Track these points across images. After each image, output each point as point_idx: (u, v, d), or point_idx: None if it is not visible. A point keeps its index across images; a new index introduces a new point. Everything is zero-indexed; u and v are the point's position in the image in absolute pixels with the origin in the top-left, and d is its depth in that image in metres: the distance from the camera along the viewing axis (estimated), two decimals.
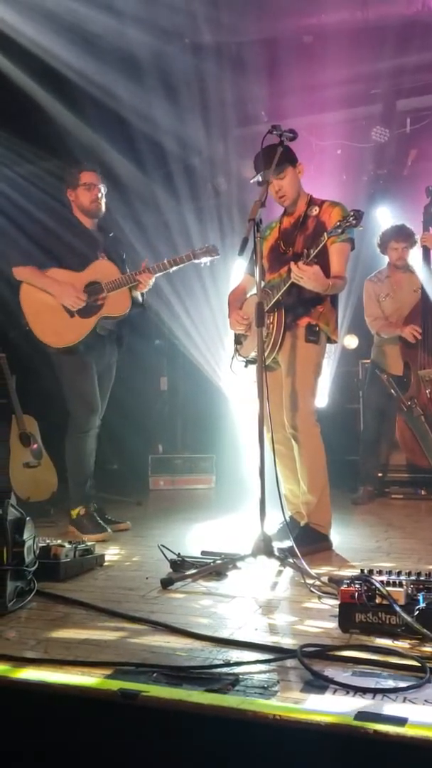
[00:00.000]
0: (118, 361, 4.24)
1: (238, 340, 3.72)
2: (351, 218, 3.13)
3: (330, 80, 5.88)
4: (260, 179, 3.45)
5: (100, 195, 4.02)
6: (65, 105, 5.55)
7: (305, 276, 3.21)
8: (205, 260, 3.92)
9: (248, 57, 5.96)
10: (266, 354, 3.41)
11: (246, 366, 3.66)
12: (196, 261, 3.92)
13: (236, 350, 3.72)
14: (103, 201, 4.05)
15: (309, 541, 3.30)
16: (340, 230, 3.17)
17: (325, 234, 3.22)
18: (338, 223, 3.17)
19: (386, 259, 5.28)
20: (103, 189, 4.04)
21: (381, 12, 5.60)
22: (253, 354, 3.55)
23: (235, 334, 3.74)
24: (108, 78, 5.52)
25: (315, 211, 3.53)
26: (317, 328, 3.47)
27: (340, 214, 3.40)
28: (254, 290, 3.75)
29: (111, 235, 4.22)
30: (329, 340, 3.59)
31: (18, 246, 3.99)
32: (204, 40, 5.88)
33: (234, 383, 3.82)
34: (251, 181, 3.61)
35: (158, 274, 3.95)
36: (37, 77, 5.32)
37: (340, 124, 6.48)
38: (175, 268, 3.93)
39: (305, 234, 3.50)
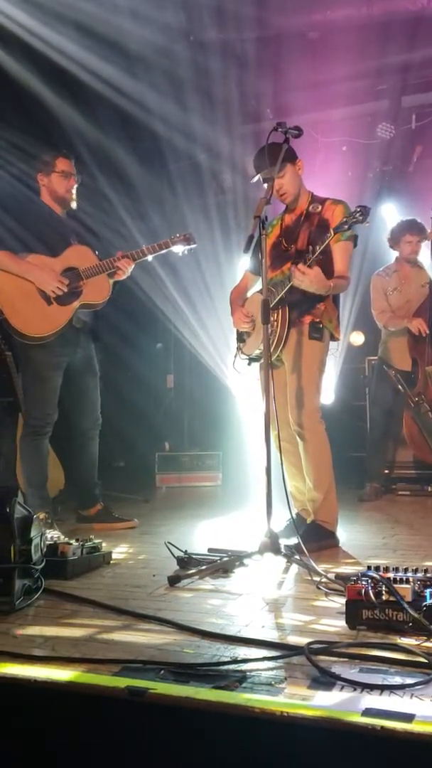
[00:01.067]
0: (106, 358, 4.15)
1: (241, 338, 3.71)
2: (358, 214, 3.12)
3: (335, 77, 5.87)
4: (261, 179, 3.46)
5: (75, 186, 3.94)
6: (69, 100, 5.53)
7: (307, 279, 3.21)
8: (182, 248, 3.85)
9: (253, 54, 5.95)
10: (271, 351, 3.41)
11: (249, 364, 3.66)
12: (174, 249, 3.84)
13: (239, 348, 3.71)
14: (75, 192, 3.96)
15: (316, 537, 3.30)
16: (346, 226, 3.16)
17: (332, 230, 3.21)
18: (345, 219, 3.16)
19: (392, 255, 5.28)
20: (78, 179, 3.96)
21: (386, 8, 5.58)
22: (256, 352, 3.55)
23: (238, 332, 3.73)
24: (111, 74, 5.51)
25: (317, 208, 3.52)
26: (321, 326, 3.47)
27: (343, 212, 3.40)
28: (255, 288, 3.76)
29: (80, 225, 4.11)
30: (332, 338, 3.58)
31: None
32: (209, 37, 5.87)
33: (240, 381, 3.81)
34: (251, 182, 3.61)
35: (137, 261, 3.85)
36: (35, 67, 5.29)
37: (346, 121, 6.47)
38: (152, 255, 3.84)
39: (308, 231, 3.49)
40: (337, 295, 3.56)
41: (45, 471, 3.91)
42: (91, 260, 3.84)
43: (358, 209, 3.13)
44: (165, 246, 3.84)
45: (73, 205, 4.00)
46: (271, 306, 3.31)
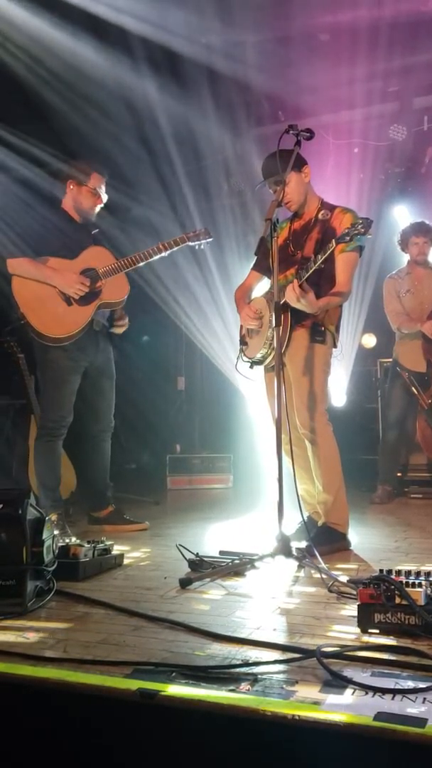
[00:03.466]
0: (118, 360, 4.19)
1: (243, 341, 3.71)
2: (360, 226, 3.09)
3: (346, 78, 5.87)
4: (267, 186, 3.47)
5: (100, 206, 4.02)
6: (77, 103, 5.56)
7: (294, 297, 3.20)
8: (198, 243, 3.90)
9: (264, 56, 5.95)
10: (272, 355, 3.42)
11: (251, 367, 3.65)
12: (191, 243, 3.90)
13: (241, 351, 3.71)
14: (96, 211, 4.03)
15: (327, 540, 3.30)
16: (348, 238, 3.14)
17: (334, 241, 3.20)
18: (347, 230, 3.13)
19: (402, 258, 5.27)
20: (104, 200, 4.03)
21: (397, 9, 5.57)
22: (258, 355, 3.54)
23: (240, 335, 3.73)
24: (121, 75, 5.53)
25: (326, 215, 3.51)
26: (323, 328, 3.46)
27: (351, 221, 3.39)
28: (259, 287, 3.77)
29: (95, 231, 4.13)
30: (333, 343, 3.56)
31: (9, 237, 3.86)
32: (219, 40, 5.88)
33: (250, 383, 3.81)
34: (256, 188, 3.62)
35: (154, 258, 3.88)
36: (43, 68, 5.33)
37: (357, 123, 6.46)
38: (168, 251, 3.88)
39: (315, 238, 3.48)
40: None
41: (58, 473, 3.93)
42: (108, 260, 3.90)
43: (361, 221, 3.11)
44: (181, 241, 3.87)
45: (92, 219, 4.06)
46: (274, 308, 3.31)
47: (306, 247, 3.49)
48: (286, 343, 3.42)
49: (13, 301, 3.83)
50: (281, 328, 3.33)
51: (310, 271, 3.26)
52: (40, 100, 5.43)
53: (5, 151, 5.56)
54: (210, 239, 3.93)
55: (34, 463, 3.97)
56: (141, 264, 3.89)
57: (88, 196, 3.95)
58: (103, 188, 4.00)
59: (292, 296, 3.20)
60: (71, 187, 3.96)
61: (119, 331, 4.11)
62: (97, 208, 4.02)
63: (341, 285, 3.41)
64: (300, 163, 3.45)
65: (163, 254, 3.88)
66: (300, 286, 3.19)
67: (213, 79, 6.01)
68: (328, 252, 3.22)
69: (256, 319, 3.57)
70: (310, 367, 3.43)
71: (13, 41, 5.06)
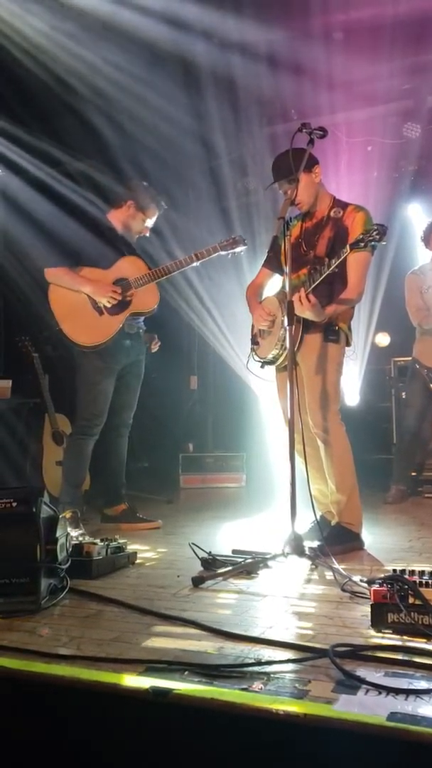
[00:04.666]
0: (147, 361, 4.25)
1: (255, 341, 3.70)
2: (374, 233, 3.08)
3: (360, 77, 5.85)
4: (278, 186, 3.46)
5: (145, 235, 4.16)
6: (88, 100, 5.59)
7: (300, 309, 3.20)
8: (231, 252, 3.93)
9: (277, 55, 5.94)
10: (284, 355, 3.42)
11: (262, 367, 3.64)
12: (223, 252, 3.93)
13: (253, 350, 3.70)
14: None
15: (340, 540, 3.29)
16: (362, 244, 3.13)
17: (348, 246, 3.18)
18: (361, 236, 3.12)
19: (416, 255, 5.24)
20: (149, 232, 4.16)
21: (412, 6, 5.54)
22: (270, 356, 3.54)
23: (252, 335, 3.72)
24: (138, 77, 5.55)
25: (339, 213, 3.49)
26: (337, 328, 3.45)
27: (364, 220, 3.37)
28: (271, 285, 3.76)
29: (132, 242, 4.23)
30: (346, 342, 3.55)
31: (48, 247, 4.02)
32: (233, 39, 5.87)
33: (263, 382, 3.81)
34: (266, 188, 3.62)
35: (185, 268, 3.96)
36: (73, 79, 5.37)
37: (371, 121, 6.44)
38: (200, 261, 3.93)
39: (327, 237, 3.47)
40: None
41: (84, 472, 4.04)
42: (141, 270, 3.99)
43: (376, 228, 3.10)
44: (214, 251, 3.92)
45: (133, 240, 4.18)
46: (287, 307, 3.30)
47: (318, 246, 3.48)
48: (297, 342, 3.40)
49: (49, 308, 3.95)
50: (293, 327, 3.34)
51: (318, 281, 3.26)
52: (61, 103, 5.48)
53: (46, 160, 5.65)
54: (245, 247, 3.95)
55: (64, 458, 4.11)
56: (173, 273, 3.97)
57: (140, 223, 4.10)
58: (153, 222, 4.14)
59: (298, 308, 3.20)
60: (129, 206, 4.07)
61: (154, 349, 4.23)
62: (141, 235, 4.17)
63: (352, 287, 3.39)
64: (311, 163, 3.42)
65: (195, 264, 3.95)
66: (306, 296, 3.19)
67: (226, 78, 6.00)
68: (342, 257, 3.21)
69: (269, 319, 3.57)
70: (323, 367, 3.41)
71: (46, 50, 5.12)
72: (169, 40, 5.40)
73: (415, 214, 6.19)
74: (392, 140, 6.41)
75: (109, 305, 3.89)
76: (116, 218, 4.10)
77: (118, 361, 4.00)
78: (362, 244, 3.12)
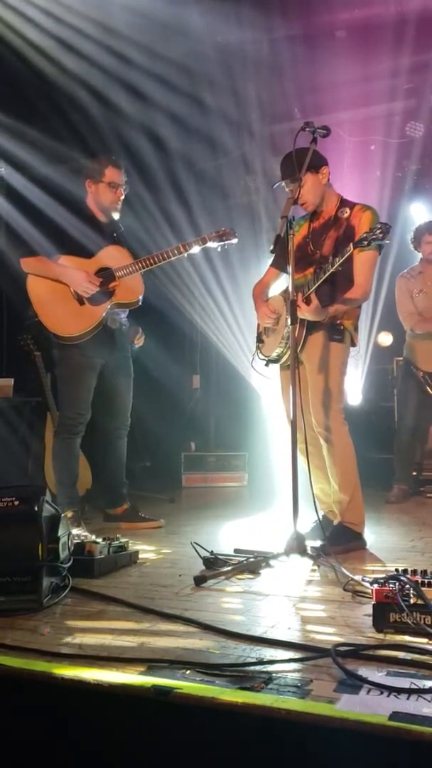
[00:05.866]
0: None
1: (260, 339, 3.70)
2: (378, 231, 3.07)
3: (363, 76, 5.84)
4: (284, 185, 3.45)
5: (122, 197, 3.97)
6: (93, 97, 5.58)
7: (301, 313, 3.21)
8: (218, 244, 3.79)
9: (280, 53, 5.93)
10: (288, 354, 3.41)
11: (267, 365, 3.64)
12: (212, 244, 3.78)
13: (258, 348, 3.70)
14: (121, 202, 3.99)
15: (343, 539, 3.29)
16: (366, 243, 3.12)
17: (351, 245, 3.18)
18: (365, 235, 3.11)
19: (418, 255, 5.23)
20: (125, 189, 3.98)
21: (414, 5, 5.53)
22: (274, 354, 3.54)
23: (257, 333, 3.72)
24: (138, 74, 5.54)
25: (345, 212, 3.49)
26: (341, 327, 3.44)
27: (370, 220, 3.36)
28: (278, 285, 3.75)
29: (121, 230, 4.12)
30: (352, 342, 3.54)
31: (24, 237, 3.89)
32: (235, 38, 5.87)
33: (265, 381, 3.80)
34: (273, 187, 3.60)
35: (172, 259, 3.82)
36: (65, 69, 5.35)
37: (374, 120, 6.43)
38: (188, 252, 3.81)
39: (334, 236, 3.46)
40: None
41: (76, 470, 3.95)
42: (125, 260, 3.87)
43: (380, 226, 3.09)
44: (203, 242, 3.79)
45: (116, 215, 4.04)
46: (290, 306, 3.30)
47: (325, 246, 3.48)
48: (302, 341, 3.40)
49: (27, 298, 3.85)
50: (297, 326, 3.34)
51: (321, 279, 3.26)
52: (59, 96, 5.47)
53: (24, 149, 5.60)
54: (235, 240, 3.81)
55: (52, 459, 4.00)
56: (158, 264, 3.85)
57: (106, 191, 3.92)
58: (122, 178, 3.96)
59: (298, 310, 3.20)
60: (90, 187, 3.95)
61: (138, 344, 4.13)
62: (120, 201, 3.99)
63: (357, 287, 3.39)
64: (318, 164, 3.41)
65: (182, 255, 3.83)
66: (306, 299, 3.19)
67: (228, 77, 6.00)
68: (346, 255, 3.20)
69: (273, 317, 3.57)
70: (326, 366, 3.41)
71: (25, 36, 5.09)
72: (170, 39, 5.41)
73: (417, 214, 6.17)
74: (395, 139, 6.40)
75: (86, 295, 3.76)
76: (91, 205, 3.97)
77: (100, 355, 3.88)
78: (365, 243, 3.12)
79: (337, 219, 3.49)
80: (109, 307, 3.83)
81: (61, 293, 3.79)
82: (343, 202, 3.54)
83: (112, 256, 3.89)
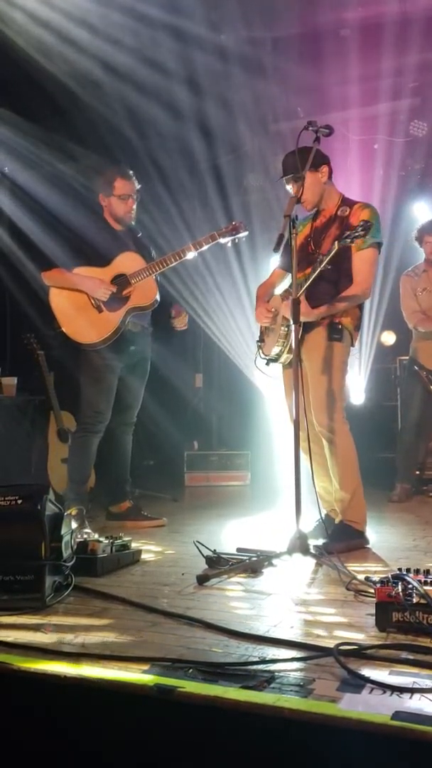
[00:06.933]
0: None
1: (261, 338, 3.71)
2: (360, 228, 3.12)
3: (367, 74, 5.83)
4: (285, 183, 3.46)
5: (134, 207, 4.05)
6: (96, 99, 5.59)
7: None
8: (230, 239, 3.88)
9: (284, 52, 5.93)
10: (287, 352, 3.45)
11: (267, 364, 3.65)
12: (222, 240, 3.88)
13: (259, 347, 3.70)
14: (135, 210, 4.08)
15: (344, 537, 3.29)
16: (349, 240, 3.15)
17: (336, 243, 3.18)
18: (348, 233, 3.15)
19: (422, 254, 5.22)
20: (136, 197, 4.05)
21: (418, 4, 5.52)
22: (273, 353, 3.54)
23: (260, 332, 3.73)
24: (143, 75, 5.55)
25: (345, 211, 3.49)
26: (340, 326, 3.43)
27: (368, 218, 3.37)
28: (283, 285, 3.75)
29: (139, 235, 4.21)
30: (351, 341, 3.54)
31: (44, 250, 4.05)
32: (239, 36, 5.86)
33: (268, 380, 3.81)
34: (275, 181, 3.61)
35: (185, 258, 3.89)
36: (73, 74, 5.37)
37: (377, 119, 6.43)
38: (199, 251, 3.89)
39: (333, 235, 3.46)
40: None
41: (88, 469, 4.05)
42: (139, 265, 3.95)
43: (362, 224, 3.14)
44: (212, 239, 3.87)
45: (132, 222, 4.12)
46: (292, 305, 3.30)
47: (324, 244, 3.47)
48: (300, 340, 3.40)
49: (50, 311, 3.96)
50: (298, 326, 3.34)
51: (310, 279, 3.27)
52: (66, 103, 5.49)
53: (42, 162, 5.64)
54: (245, 233, 3.89)
55: (68, 455, 4.12)
56: (172, 265, 3.93)
57: (118, 203, 4.01)
58: (132, 187, 4.03)
59: (285, 311, 3.22)
60: (103, 201, 4.04)
61: (179, 326, 4.15)
62: (133, 210, 4.07)
63: (354, 285, 3.40)
64: (318, 163, 3.40)
65: (194, 254, 3.90)
66: (294, 300, 3.21)
67: (232, 75, 5.99)
68: (331, 254, 3.21)
69: (269, 316, 3.57)
70: (327, 366, 3.41)
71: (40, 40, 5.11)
72: (173, 38, 5.41)
73: (421, 213, 6.16)
74: (399, 138, 6.39)
75: (103, 299, 3.86)
76: (108, 218, 4.06)
77: (121, 358, 3.99)
78: (349, 240, 3.14)
79: (337, 218, 3.49)
80: (125, 312, 3.90)
81: (80, 303, 3.90)
82: (345, 201, 3.53)
83: (126, 263, 3.96)
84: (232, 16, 5.61)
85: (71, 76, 5.37)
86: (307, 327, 3.40)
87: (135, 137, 5.97)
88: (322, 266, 3.23)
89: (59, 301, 3.94)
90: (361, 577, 2.59)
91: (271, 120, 6.65)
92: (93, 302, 3.89)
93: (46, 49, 5.14)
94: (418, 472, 5.38)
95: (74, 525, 3.05)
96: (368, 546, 3.37)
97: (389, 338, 6.50)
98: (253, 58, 5.99)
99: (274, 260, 4.00)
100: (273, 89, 6.32)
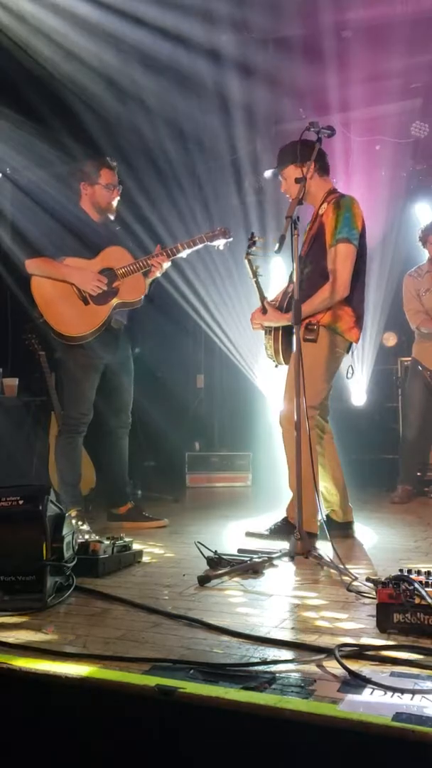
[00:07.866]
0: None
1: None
2: (249, 241, 3.42)
3: (368, 75, 5.83)
4: (270, 175, 3.53)
5: (117, 197, 4.01)
6: (99, 97, 5.59)
7: (266, 323, 3.45)
8: (218, 243, 3.87)
9: (286, 53, 5.93)
10: (272, 357, 3.59)
11: (276, 367, 3.69)
12: (210, 243, 3.87)
13: (266, 349, 3.73)
14: (116, 203, 4.04)
15: (284, 531, 3.36)
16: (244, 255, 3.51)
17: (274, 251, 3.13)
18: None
19: (425, 255, 5.22)
20: (120, 189, 4.02)
21: (420, 5, 5.52)
22: (267, 353, 3.65)
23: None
24: (143, 75, 5.55)
25: (323, 209, 3.49)
26: (315, 327, 3.41)
27: (335, 218, 3.36)
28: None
29: (117, 229, 4.18)
30: (346, 340, 3.52)
31: (29, 238, 3.94)
32: (241, 37, 5.86)
33: (269, 381, 3.84)
34: (268, 176, 3.65)
35: (172, 258, 3.89)
36: (68, 68, 5.37)
37: (379, 120, 6.43)
38: (188, 251, 3.88)
39: (312, 234, 3.49)
40: (351, 295, 3.43)
41: (78, 469, 3.99)
42: (126, 260, 3.91)
43: (250, 236, 3.42)
44: (200, 241, 3.86)
45: (111, 216, 4.07)
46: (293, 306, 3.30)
47: (305, 244, 3.49)
48: (282, 343, 3.52)
49: (32, 300, 3.89)
50: (278, 329, 3.40)
51: (259, 283, 3.49)
52: (59, 97, 5.48)
53: (25, 152, 5.62)
54: (230, 239, 3.88)
55: (55, 459, 4.04)
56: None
57: (103, 193, 3.97)
58: (116, 178, 4.01)
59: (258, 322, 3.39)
60: (86, 189, 3.99)
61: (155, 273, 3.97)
62: (116, 201, 4.03)
63: (328, 283, 3.38)
64: (303, 159, 3.33)
65: (181, 254, 3.88)
66: (263, 309, 3.30)
67: (234, 76, 6.00)
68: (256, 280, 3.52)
69: (256, 324, 3.64)
70: (297, 366, 3.33)
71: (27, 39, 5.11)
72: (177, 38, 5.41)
73: (422, 214, 6.16)
74: (400, 139, 6.39)
75: (94, 294, 3.81)
76: (87, 207, 4.00)
77: (104, 355, 3.92)
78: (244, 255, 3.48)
79: (318, 217, 3.50)
80: (113, 306, 3.85)
81: (65, 293, 3.83)
82: (326, 199, 3.51)
83: (113, 256, 3.92)
84: (234, 16, 5.61)
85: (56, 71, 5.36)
86: (289, 329, 3.41)
87: (135, 138, 5.97)
88: (295, 269, 3.16)
89: (42, 291, 3.85)
90: (363, 578, 2.60)
91: (273, 121, 6.65)
92: (79, 294, 3.83)
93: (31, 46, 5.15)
94: (419, 474, 5.38)
95: (84, 527, 3.06)
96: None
97: (390, 339, 6.50)
98: (254, 59, 5.99)
99: (278, 260, 4.01)
100: (275, 90, 6.32)
